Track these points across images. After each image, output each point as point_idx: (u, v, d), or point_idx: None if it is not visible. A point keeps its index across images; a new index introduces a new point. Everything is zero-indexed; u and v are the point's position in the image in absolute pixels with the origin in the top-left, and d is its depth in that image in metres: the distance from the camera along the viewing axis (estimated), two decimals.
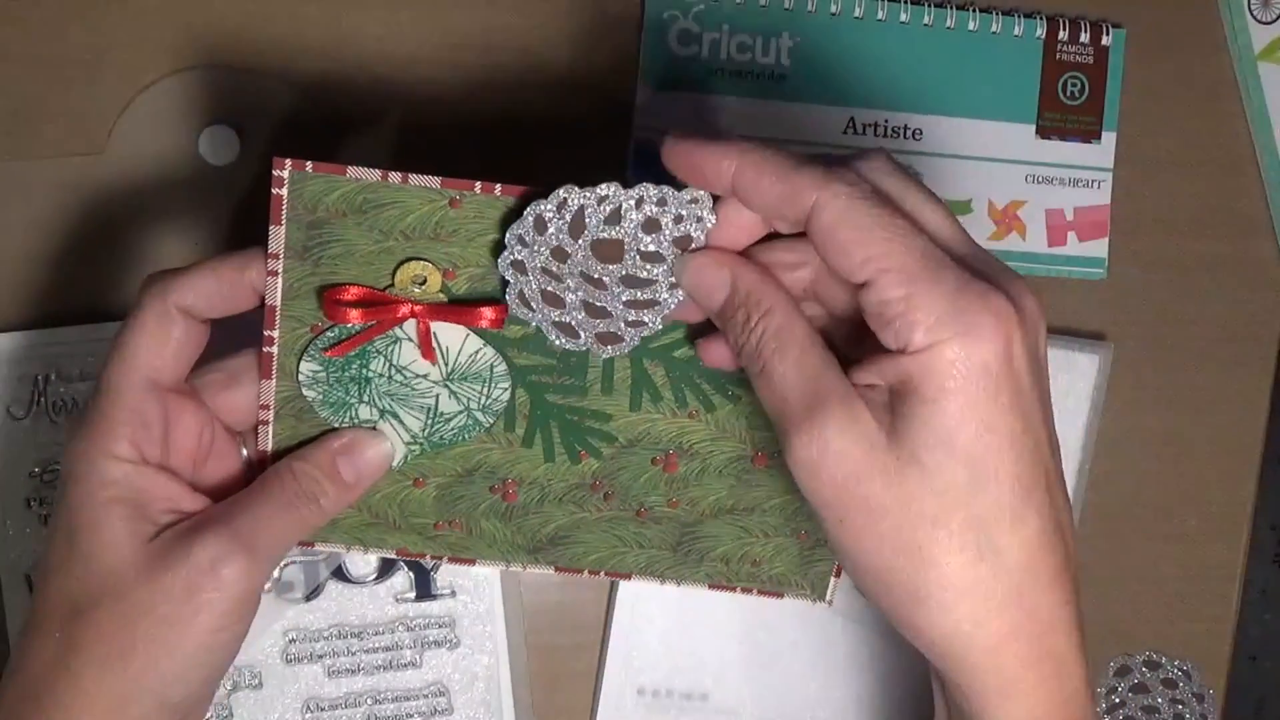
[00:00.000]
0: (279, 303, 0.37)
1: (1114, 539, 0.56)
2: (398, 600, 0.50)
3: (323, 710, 0.49)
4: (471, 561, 0.43)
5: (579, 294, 0.36)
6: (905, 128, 0.54)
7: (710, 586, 0.44)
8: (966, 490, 0.31)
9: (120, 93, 0.51)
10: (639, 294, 0.36)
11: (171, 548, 0.35)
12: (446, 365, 0.38)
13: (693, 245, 0.35)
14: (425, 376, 0.39)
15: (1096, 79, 0.55)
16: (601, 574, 0.43)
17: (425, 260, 0.37)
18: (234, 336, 0.39)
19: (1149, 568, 0.56)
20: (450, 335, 0.38)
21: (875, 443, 0.32)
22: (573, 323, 0.37)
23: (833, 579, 0.44)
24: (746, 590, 0.44)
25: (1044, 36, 0.55)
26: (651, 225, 0.35)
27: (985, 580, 0.32)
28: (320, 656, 0.49)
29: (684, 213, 0.35)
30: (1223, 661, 0.56)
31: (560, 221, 0.35)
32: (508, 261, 0.36)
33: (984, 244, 0.54)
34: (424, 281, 0.37)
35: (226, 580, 0.35)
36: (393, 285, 0.37)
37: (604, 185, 0.34)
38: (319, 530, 0.41)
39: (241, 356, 0.39)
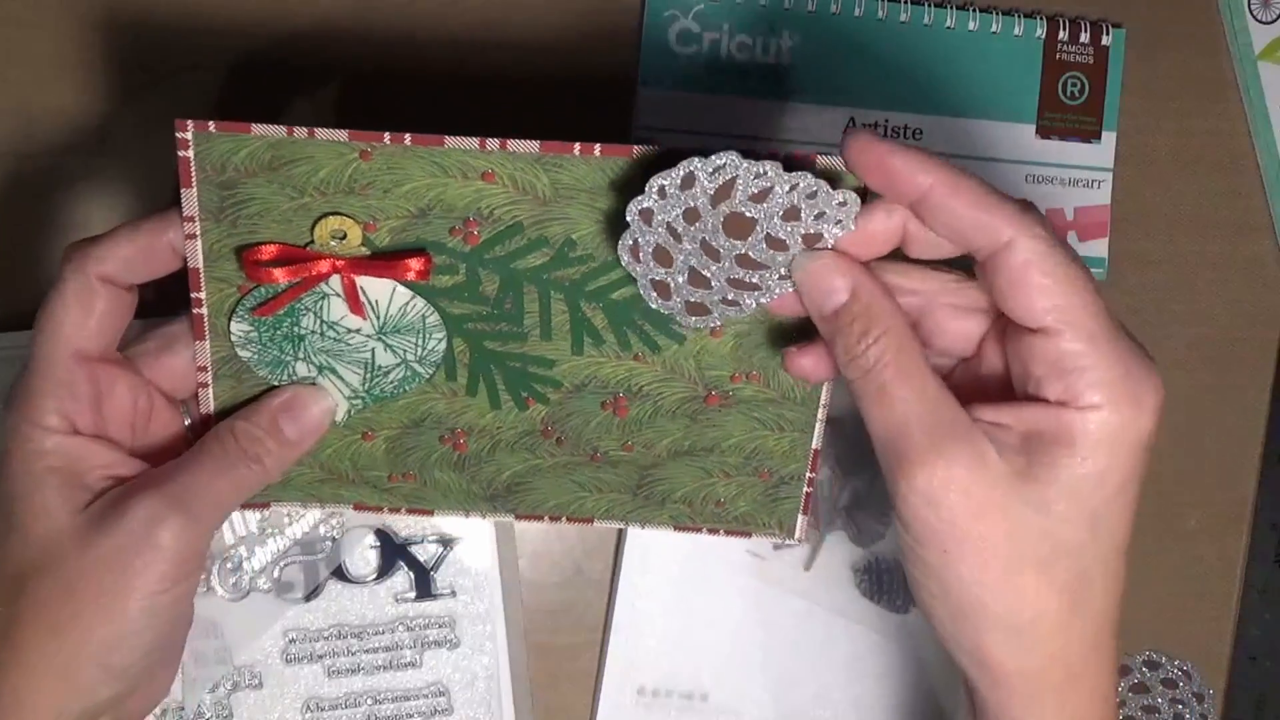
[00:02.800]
0: (201, 265, 0.37)
1: None
2: (398, 600, 0.50)
3: (323, 710, 0.49)
4: (430, 512, 0.43)
5: (690, 260, 0.36)
6: (905, 128, 0.54)
7: (676, 528, 0.44)
8: (1082, 544, 0.33)
9: (112, 94, 0.51)
10: (748, 275, 0.36)
11: (106, 513, 0.35)
12: (378, 319, 0.38)
13: (819, 245, 0.35)
14: (358, 331, 0.38)
15: (1096, 79, 0.55)
16: (563, 519, 0.43)
17: (343, 215, 0.36)
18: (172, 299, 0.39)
19: (1149, 568, 0.56)
20: (378, 289, 0.38)
21: (1000, 482, 0.33)
22: (672, 285, 0.36)
23: (800, 517, 0.43)
24: (713, 531, 0.44)
25: (1044, 36, 0.55)
26: (792, 214, 0.34)
27: (1075, 627, 0.34)
28: (320, 656, 0.49)
29: (828, 211, 0.34)
30: (1223, 661, 0.56)
31: (709, 184, 0.34)
32: (637, 209, 0.35)
33: None
34: (344, 236, 0.37)
35: (162, 542, 0.35)
36: (313, 241, 0.37)
37: (765, 163, 0.34)
38: (271, 489, 0.41)
39: (175, 323, 0.39)
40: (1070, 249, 0.34)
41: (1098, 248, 0.55)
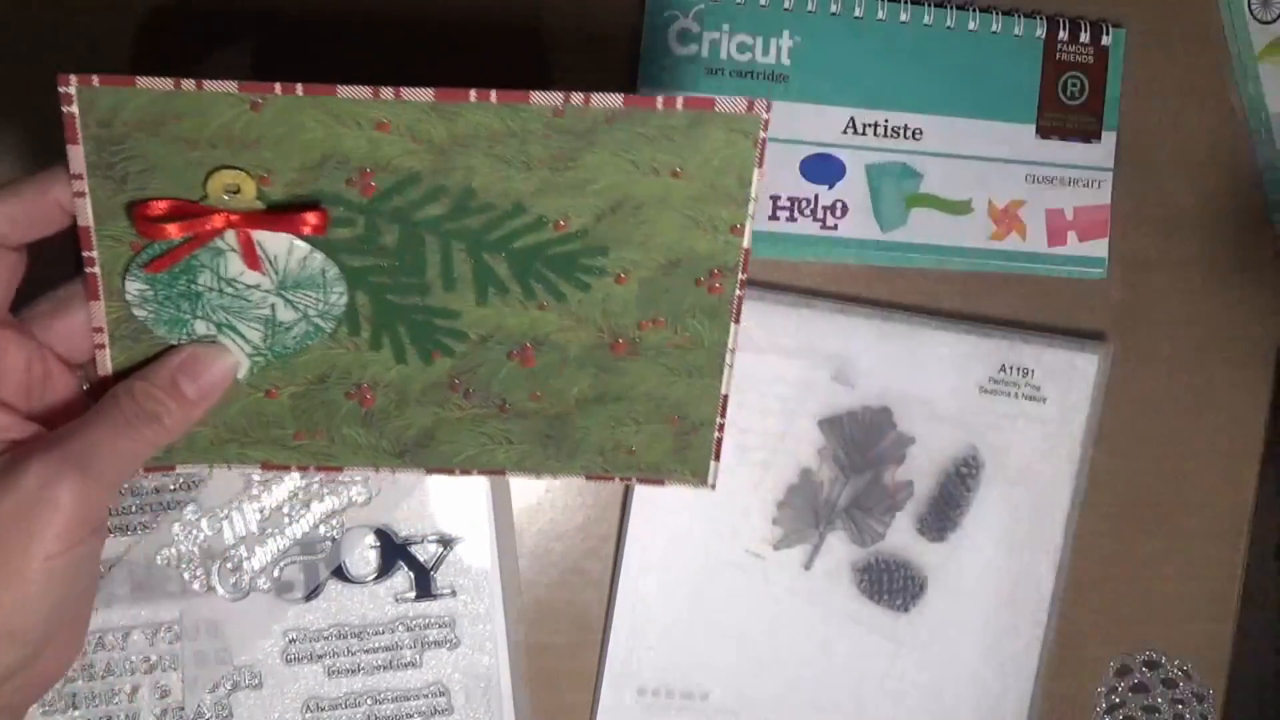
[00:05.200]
0: (92, 223, 0.36)
1: (1114, 539, 0.56)
2: (398, 600, 0.50)
3: (323, 710, 0.49)
4: (339, 469, 0.42)
5: None
6: (905, 128, 0.54)
7: (588, 478, 0.43)
8: None
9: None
10: None
11: (1, 476, 0.34)
12: (277, 274, 0.38)
13: None
14: (257, 287, 0.38)
15: (1096, 79, 0.55)
16: (474, 472, 0.43)
17: (236, 168, 0.36)
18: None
19: (1149, 568, 0.56)
20: (275, 243, 0.37)
21: None
22: None
23: (712, 462, 0.43)
24: (625, 479, 0.43)
25: (1044, 36, 0.55)
26: None
27: None
28: (320, 656, 0.49)
29: None
30: (1223, 661, 0.56)
31: None
32: None
33: (984, 244, 0.55)
34: (238, 190, 0.36)
35: (59, 502, 0.34)
36: (206, 196, 0.36)
37: None
38: (174, 451, 0.40)
39: (68, 285, 0.38)
40: None
41: (1098, 248, 0.55)
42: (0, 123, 0.51)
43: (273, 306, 0.38)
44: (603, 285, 0.39)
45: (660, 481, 0.43)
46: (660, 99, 0.35)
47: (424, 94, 0.35)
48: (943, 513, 0.53)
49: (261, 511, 0.49)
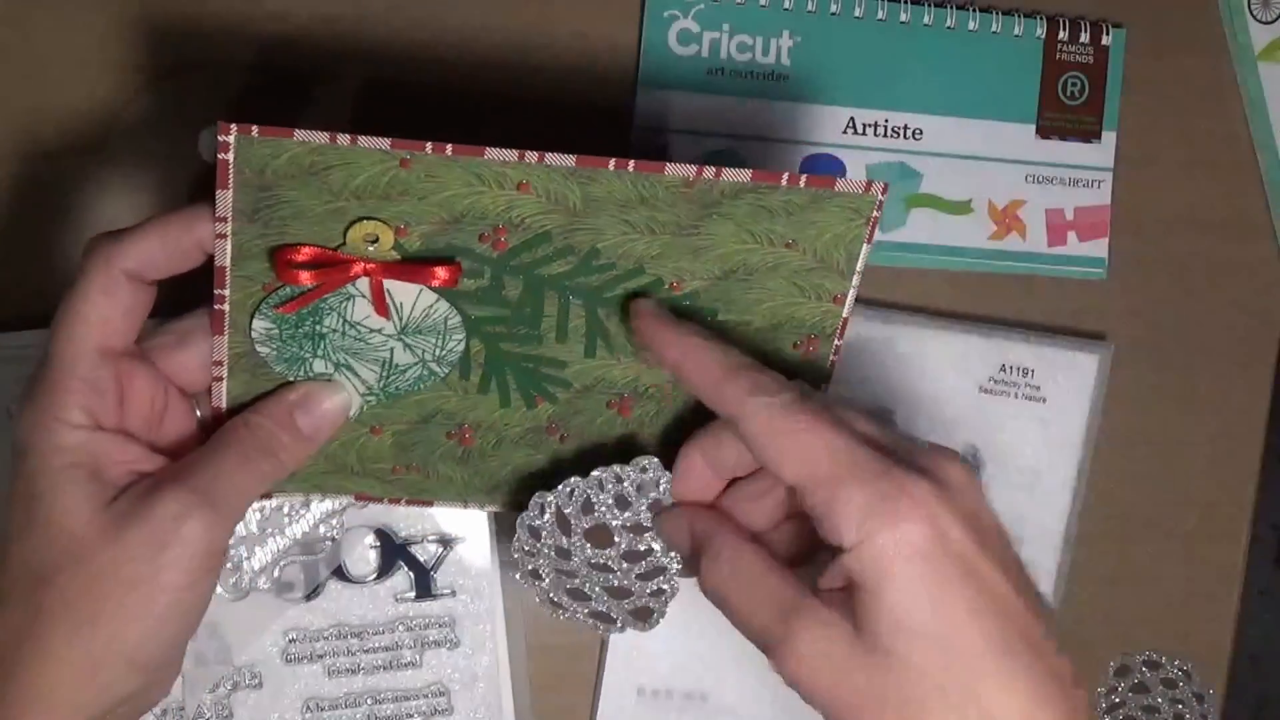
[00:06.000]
0: (229, 264, 0.37)
1: (1114, 539, 0.56)
2: (398, 600, 0.50)
3: (323, 710, 0.49)
4: (430, 503, 0.43)
5: (598, 584, 0.40)
6: (905, 128, 0.54)
7: None
8: (943, 666, 0.32)
9: (120, 92, 0.51)
10: (642, 565, 0.39)
11: (132, 508, 0.35)
12: (401, 320, 0.39)
13: (662, 507, 0.39)
14: (379, 331, 0.39)
15: (1096, 79, 0.55)
16: None
17: (377, 219, 0.36)
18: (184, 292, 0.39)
19: (1149, 568, 0.56)
20: (404, 291, 0.38)
21: (846, 644, 0.33)
22: (606, 609, 0.40)
23: None
24: None
25: (1044, 36, 0.55)
26: (622, 502, 0.39)
27: None
28: (320, 656, 0.49)
29: (644, 480, 0.39)
30: (1223, 661, 0.56)
31: (548, 522, 0.39)
32: (527, 571, 0.39)
33: (984, 244, 0.55)
34: (376, 240, 0.37)
35: (189, 536, 0.35)
36: (345, 244, 0.37)
37: (568, 481, 0.39)
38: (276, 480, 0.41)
39: (190, 318, 0.39)
40: (804, 398, 0.35)
41: (1098, 248, 0.55)
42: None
43: (391, 350, 0.39)
44: None
45: None
46: (785, 176, 0.37)
47: (566, 160, 0.36)
48: None
49: (261, 511, 0.49)
